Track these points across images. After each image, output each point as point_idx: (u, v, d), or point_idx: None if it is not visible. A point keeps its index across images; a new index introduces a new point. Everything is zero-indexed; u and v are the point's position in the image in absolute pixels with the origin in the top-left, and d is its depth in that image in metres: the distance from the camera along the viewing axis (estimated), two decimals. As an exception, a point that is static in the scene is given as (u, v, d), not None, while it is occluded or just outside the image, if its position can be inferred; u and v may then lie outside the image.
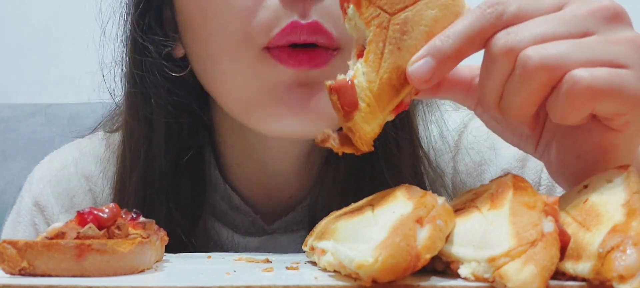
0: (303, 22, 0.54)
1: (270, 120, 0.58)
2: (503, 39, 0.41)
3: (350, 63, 0.46)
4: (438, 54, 0.43)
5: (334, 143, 0.46)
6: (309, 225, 0.69)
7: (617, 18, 0.42)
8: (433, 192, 0.42)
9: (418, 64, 0.43)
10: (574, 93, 0.39)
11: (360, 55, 0.45)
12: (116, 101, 0.70)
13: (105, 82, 0.69)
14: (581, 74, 0.39)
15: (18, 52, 1.71)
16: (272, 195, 0.71)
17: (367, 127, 0.44)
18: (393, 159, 0.65)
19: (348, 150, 0.46)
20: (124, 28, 0.66)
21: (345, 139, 0.45)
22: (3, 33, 1.71)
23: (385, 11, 0.44)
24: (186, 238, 0.66)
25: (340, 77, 0.44)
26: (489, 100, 0.44)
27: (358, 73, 0.44)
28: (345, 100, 0.43)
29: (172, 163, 0.66)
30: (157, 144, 0.65)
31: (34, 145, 1.28)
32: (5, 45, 1.71)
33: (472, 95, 0.50)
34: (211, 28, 0.58)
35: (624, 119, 0.41)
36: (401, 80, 0.44)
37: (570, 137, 0.46)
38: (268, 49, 0.56)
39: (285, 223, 0.71)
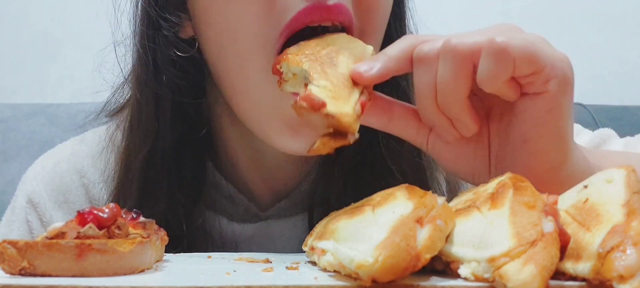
0: (328, 3, 0.56)
1: (272, 134, 0.62)
2: (426, 45, 0.49)
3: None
4: (381, 55, 0.50)
5: (322, 146, 0.47)
6: (306, 210, 0.71)
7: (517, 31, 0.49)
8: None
9: (362, 63, 0.50)
10: (495, 52, 0.46)
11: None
12: (124, 75, 0.71)
13: (116, 56, 0.70)
14: (500, 38, 0.46)
15: (18, 52, 1.71)
16: (267, 181, 0.72)
17: (346, 108, 0.46)
18: (393, 145, 0.67)
19: (339, 143, 0.47)
20: (137, 3, 0.67)
21: (332, 135, 0.47)
22: (3, 33, 1.71)
23: (309, 54, 0.52)
24: (185, 222, 0.67)
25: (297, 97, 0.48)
26: (427, 102, 0.50)
27: (311, 87, 0.48)
28: (314, 104, 0.47)
29: (176, 142, 0.67)
30: (163, 123, 0.66)
31: (34, 145, 1.28)
32: (5, 45, 1.71)
33: (423, 131, 0.54)
34: (226, 25, 0.59)
35: (542, 76, 0.46)
36: (349, 82, 0.49)
37: (512, 126, 0.50)
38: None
39: (279, 209, 0.72)
